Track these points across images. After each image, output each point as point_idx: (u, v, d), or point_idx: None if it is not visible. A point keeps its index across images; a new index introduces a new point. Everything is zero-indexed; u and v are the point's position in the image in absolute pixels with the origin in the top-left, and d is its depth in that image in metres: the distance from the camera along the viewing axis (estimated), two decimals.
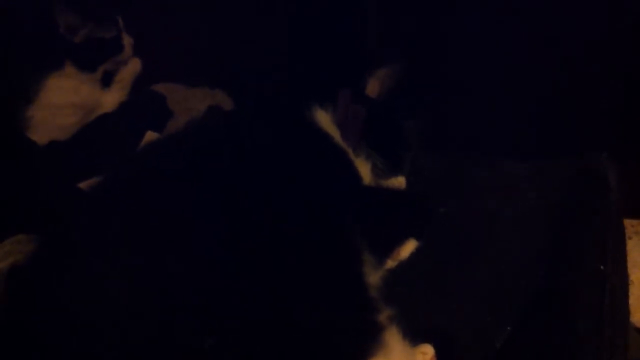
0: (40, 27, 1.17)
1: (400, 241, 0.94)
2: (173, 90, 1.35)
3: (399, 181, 1.01)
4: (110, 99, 1.25)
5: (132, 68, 1.28)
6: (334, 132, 0.98)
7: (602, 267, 0.86)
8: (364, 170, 0.98)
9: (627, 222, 1.21)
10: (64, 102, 1.18)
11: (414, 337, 0.78)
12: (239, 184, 0.82)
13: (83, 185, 1.07)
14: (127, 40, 1.25)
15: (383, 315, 0.76)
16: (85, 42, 1.18)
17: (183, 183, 0.80)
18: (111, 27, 1.22)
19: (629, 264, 0.99)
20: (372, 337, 0.73)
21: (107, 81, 1.26)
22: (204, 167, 0.84)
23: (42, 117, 1.16)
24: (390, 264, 0.93)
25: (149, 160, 0.92)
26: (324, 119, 0.99)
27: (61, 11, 1.15)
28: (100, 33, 1.20)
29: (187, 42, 1.45)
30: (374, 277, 0.83)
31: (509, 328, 0.83)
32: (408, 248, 0.94)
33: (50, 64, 1.18)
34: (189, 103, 1.32)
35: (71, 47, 1.17)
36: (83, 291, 0.69)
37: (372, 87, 1.02)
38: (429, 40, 1.29)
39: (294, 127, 0.98)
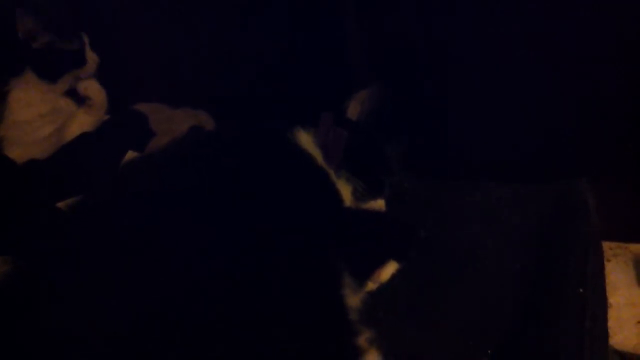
0: None
1: (380, 263, 0.94)
2: (155, 110, 1.34)
3: (378, 204, 1.01)
4: (86, 117, 1.23)
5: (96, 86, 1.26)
6: (316, 154, 0.99)
7: (581, 291, 0.87)
8: (345, 192, 0.98)
9: (606, 245, 1.22)
10: (32, 115, 1.17)
11: None
12: (219, 205, 0.82)
13: (62, 205, 1.05)
14: (92, 58, 1.24)
15: (363, 338, 0.76)
16: (45, 49, 1.17)
17: (163, 204, 0.80)
18: (74, 40, 1.21)
19: (608, 287, 1.00)
20: None
21: (72, 94, 1.23)
22: (185, 188, 0.84)
23: (14, 136, 1.15)
24: (371, 286, 0.93)
25: (130, 181, 0.92)
26: (306, 140, 0.99)
27: (20, 16, 1.13)
28: (62, 44, 1.19)
29: (170, 61, 1.46)
30: (354, 300, 0.83)
31: (490, 352, 0.83)
32: (389, 270, 0.94)
33: (9, 70, 1.16)
34: (171, 123, 1.31)
35: (30, 52, 1.16)
36: (59, 313, 0.68)
37: (353, 110, 1.02)
38: (411, 63, 1.30)
39: (276, 149, 0.98)
